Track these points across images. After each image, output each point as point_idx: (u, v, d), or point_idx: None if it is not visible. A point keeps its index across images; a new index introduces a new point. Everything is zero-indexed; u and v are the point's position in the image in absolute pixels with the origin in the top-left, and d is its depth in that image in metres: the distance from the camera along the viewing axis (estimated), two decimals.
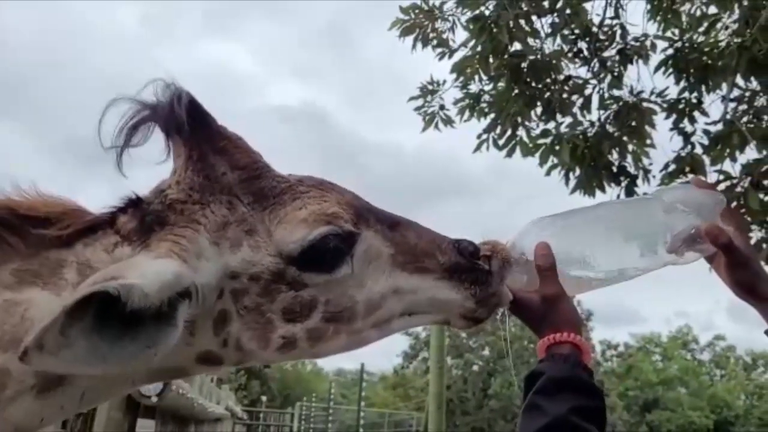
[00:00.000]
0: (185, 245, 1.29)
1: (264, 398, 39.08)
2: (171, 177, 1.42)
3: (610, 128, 7.24)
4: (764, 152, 6.42)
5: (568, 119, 7.29)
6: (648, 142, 7.12)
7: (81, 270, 1.28)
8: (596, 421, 1.41)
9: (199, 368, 1.44)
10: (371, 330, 1.49)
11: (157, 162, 1.44)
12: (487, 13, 6.83)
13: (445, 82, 7.74)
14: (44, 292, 1.24)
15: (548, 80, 7.24)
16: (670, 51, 7.15)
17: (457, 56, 7.37)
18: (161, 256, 1.25)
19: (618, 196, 6.94)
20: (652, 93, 7.20)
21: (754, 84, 6.83)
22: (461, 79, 7.43)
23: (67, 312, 1.03)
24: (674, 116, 7.07)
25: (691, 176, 6.59)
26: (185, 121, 1.39)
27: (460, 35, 7.46)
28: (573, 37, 7.38)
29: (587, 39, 7.36)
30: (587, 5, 7.23)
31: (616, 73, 7.32)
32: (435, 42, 7.48)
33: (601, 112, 7.33)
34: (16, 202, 1.33)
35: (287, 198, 1.43)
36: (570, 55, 7.42)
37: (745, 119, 6.83)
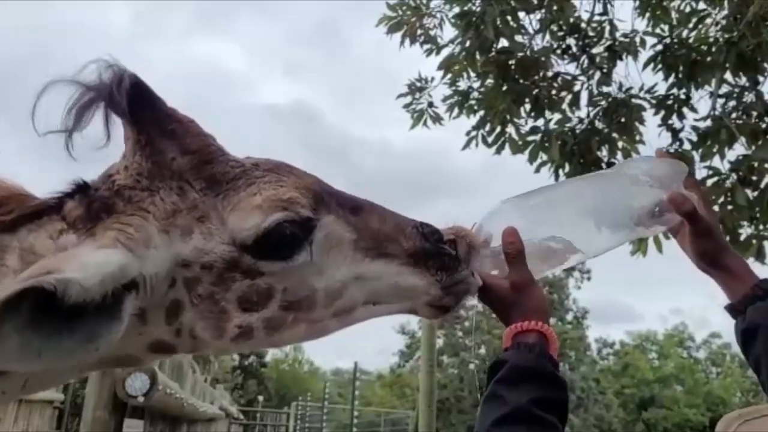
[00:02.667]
0: (132, 234, 1.24)
1: (260, 398, 39.11)
2: (120, 162, 1.36)
3: (599, 125, 7.22)
4: (752, 148, 6.41)
5: (557, 116, 7.28)
6: (637, 138, 7.10)
7: (24, 256, 1.23)
8: (558, 413, 1.37)
9: (151, 356, 1.39)
10: (332, 319, 1.44)
11: (98, 147, 1.36)
12: (474, 9, 6.80)
13: (433, 79, 7.73)
14: None
15: (537, 77, 7.21)
16: (659, 47, 7.13)
17: (445, 53, 7.35)
18: (106, 245, 1.20)
19: None
20: (641, 89, 7.18)
21: (743, 80, 6.81)
22: (449, 76, 7.40)
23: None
24: (663, 112, 7.04)
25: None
26: (126, 104, 1.32)
27: (448, 32, 7.45)
28: (561, 33, 7.36)
29: (576, 35, 7.35)
30: (575, 1, 7.22)
31: (605, 70, 7.29)
32: (422, 39, 7.45)
33: (590, 108, 7.30)
34: None
35: (241, 184, 1.37)
36: (558, 51, 7.39)
37: (733, 115, 6.81)
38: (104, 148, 1.36)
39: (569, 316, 44.90)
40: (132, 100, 1.33)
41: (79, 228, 1.27)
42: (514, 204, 1.69)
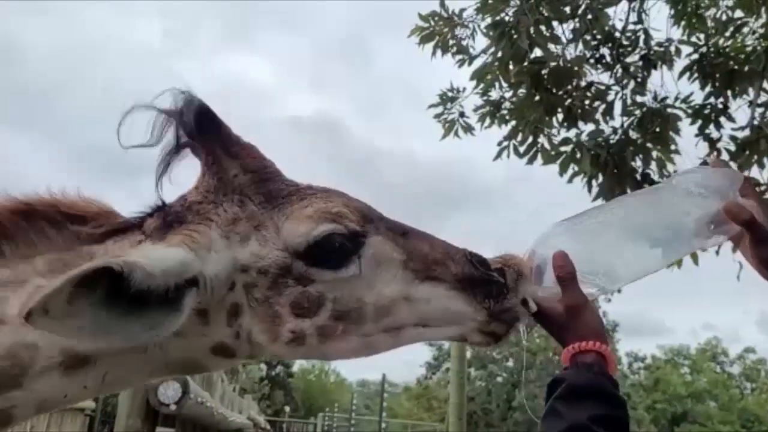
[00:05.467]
0: (196, 238, 1.39)
1: (287, 408, 39.12)
2: (192, 188, 1.53)
3: (633, 135, 7.11)
4: None
5: (590, 126, 7.18)
6: (672, 148, 6.96)
7: None
8: (617, 430, 1.37)
9: (214, 361, 1.49)
10: (382, 335, 1.50)
11: (175, 156, 1.55)
12: (507, 19, 6.76)
13: (464, 89, 7.69)
14: None
15: (569, 87, 7.14)
16: (695, 56, 7.02)
17: (477, 63, 7.31)
18: (171, 245, 1.35)
19: None
20: (676, 99, 7.08)
21: None
22: (481, 86, 7.36)
23: (73, 282, 1.10)
24: (699, 122, 6.92)
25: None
26: (194, 128, 1.50)
27: (480, 42, 7.41)
28: (595, 42, 7.28)
29: (609, 44, 7.26)
30: (609, 10, 7.12)
31: (639, 79, 7.20)
32: (455, 49, 7.43)
33: (624, 118, 7.20)
34: (59, 200, 1.45)
35: (295, 198, 1.50)
36: (592, 61, 7.31)
37: None
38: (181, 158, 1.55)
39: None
40: (201, 124, 1.51)
41: (153, 237, 1.44)
42: (567, 227, 1.68)
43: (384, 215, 1.59)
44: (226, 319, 1.43)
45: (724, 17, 7.20)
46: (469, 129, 7.71)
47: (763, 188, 6.17)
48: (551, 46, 6.93)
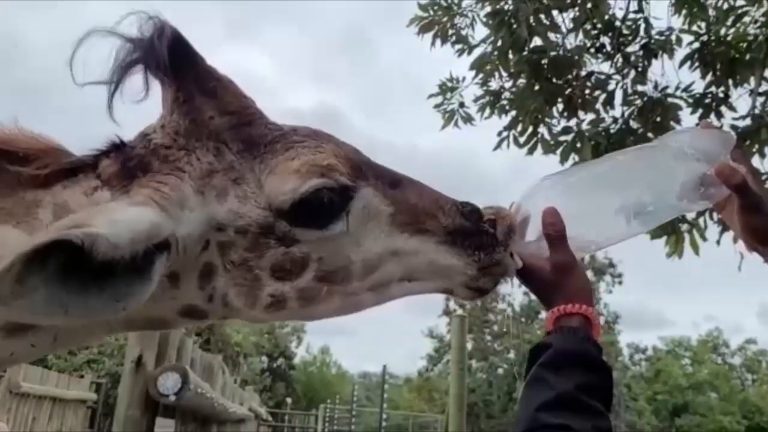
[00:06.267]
0: (167, 193, 1.22)
1: (289, 400, 39.23)
2: (157, 121, 1.33)
3: (634, 124, 7.08)
4: None
5: (591, 116, 7.15)
6: None
7: (57, 212, 1.22)
8: (603, 398, 1.33)
9: (182, 321, 1.37)
10: (367, 293, 1.40)
11: (137, 101, 1.34)
12: (506, 8, 6.72)
13: (464, 79, 7.67)
14: (16, 231, 1.19)
15: (570, 76, 7.11)
16: (696, 45, 6.97)
17: (477, 53, 7.28)
18: (138, 203, 1.18)
19: None
20: (677, 88, 7.03)
21: None
22: (481, 76, 7.33)
23: (25, 259, 0.96)
24: (700, 111, 6.88)
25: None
26: (166, 58, 1.29)
27: (480, 32, 7.38)
28: (595, 31, 7.24)
29: (610, 34, 7.22)
30: None
31: (640, 68, 7.15)
32: (454, 39, 7.40)
33: (625, 108, 7.17)
34: None
35: (279, 147, 1.33)
36: (592, 50, 7.28)
37: None
38: (142, 102, 1.34)
39: (600, 321, 44.30)
40: (172, 55, 1.29)
41: (113, 185, 1.25)
42: (554, 181, 1.62)
43: (372, 161, 1.47)
44: (198, 281, 1.29)
45: (725, 6, 7.14)
46: (468, 119, 7.68)
47: (763, 178, 6.13)
48: (551, 35, 6.90)
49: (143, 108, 1.36)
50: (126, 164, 1.27)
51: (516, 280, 1.57)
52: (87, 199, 1.24)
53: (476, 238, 1.46)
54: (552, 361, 1.36)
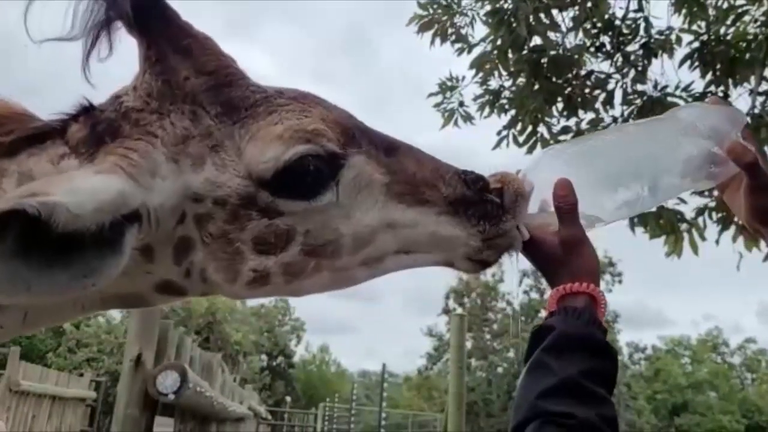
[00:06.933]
0: (136, 160, 1.13)
1: (288, 399, 39.22)
2: (130, 83, 1.23)
3: None
4: None
5: (590, 115, 7.15)
6: None
7: (22, 180, 1.14)
8: (607, 384, 1.28)
9: (160, 298, 1.30)
10: (359, 268, 1.32)
11: (100, 60, 1.23)
12: (506, 7, 6.72)
13: (464, 78, 7.65)
14: None
15: (569, 75, 7.11)
16: (696, 44, 6.96)
17: (476, 51, 7.27)
18: (104, 171, 1.10)
19: None
20: (677, 87, 7.02)
21: None
22: (480, 75, 7.32)
23: None
24: None
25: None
26: (132, 11, 1.18)
27: (479, 30, 7.37)
28: (595, 31, 7.23)
29: (610, 33, 7.21)
30: None
31: (639, 68, 7.15)
32: (453, 37, 7.39)
33: (625, 107, 7.17)
34: None
35: (262, 111, 1.22)
36: (592, 49, 7.27)
37: None
38: (106, 62, 1.24)
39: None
40: (139, 8, 1.19)
41: (81, 152, 1.17)
42: (559, 152, 1.57)
43: (366, 126, 1.36)
44: (174, 255, 1.20)
45: (725, 5, 7.13)
46: (468, 118, 7.67)
47: None
48: (551, 35, 6.90)
49: (126, 67, 1.26)
50: (95, 129, 1.18)
51: (520, 255, 1.47)
52: (53, 168, 1.16)
53: (480, 207, 1.37)
54: (555, 345, 1.29)
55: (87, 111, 1.22)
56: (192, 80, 1.21)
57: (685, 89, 6.99)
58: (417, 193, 1.33)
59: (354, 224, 1.27)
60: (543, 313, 1.52)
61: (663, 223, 6.76)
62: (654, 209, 6.64)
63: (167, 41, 1.21)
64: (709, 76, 6.90)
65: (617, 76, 7.25)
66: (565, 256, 1.41)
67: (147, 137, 1.17)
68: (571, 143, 1.56)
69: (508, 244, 1.42)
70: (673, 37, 7.14)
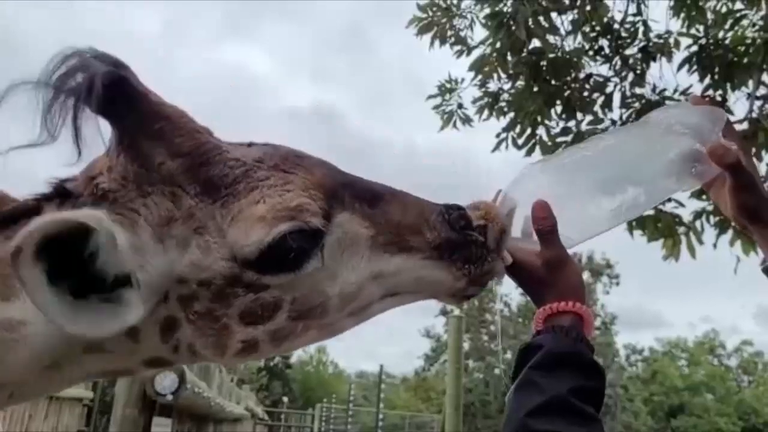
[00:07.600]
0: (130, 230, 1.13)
1: (285, 399, 39.19)
2: (102, 160, 1.20)
3: None
4: None
5: (589, 118, 7.16)
6: None
7: None
8: (595, 402, 1.28)
9: (147, 370, 1.30)
10: (346, 319, 1.32)
11: (69, 165, 1.19)
12: (505, 9, 6.73)
13: (463, 80, 7.66)
14: None
15: (568, 78, 7.09)
16: (695, 48, 6.97)
17: (476, 54, 7.27)
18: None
19: None
20: (675, 91, 7.01)
21: None
22: (480, 77, 7.33)
23: (39, 236, 0.94)
24: None
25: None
26: (101, 102, 1.14)
27: (479, 33, 7.37)
28: (594, 34, 7.23)
29: (608, 36, 7.21)
30: (608, 2, 7.09)
31: (638, 71, 7.15)
32: (452, 40, 7.40)
33: (623, 110, 7.16)
34: None
35: (242, 188, 1.19)
36: (591, 52, 7.27)
37: None
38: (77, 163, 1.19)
39: (597, 322, 44.38)
40: (107, 98, 1.15)
41: None
42: (541, 168, 1.56)
43: (348, 176, 1.35)
44: (161, 334, 1.19)
45: (723, 9, 7.15)
46: (467, 120, 7.67)
47: (763, 179, 6.14)
48: (550, 38, 6.89)
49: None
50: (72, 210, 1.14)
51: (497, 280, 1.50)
52: None
53: (465, 250, 1.38)
54: (543, 363, 1.30)
55: (60, 194, 1.19)
56: (167, 164, 1.18)
57: (683, 93, 6.99)
58: (402, 242, 1.33)
59: (340, 284, 1.27)
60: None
61: (661, 227, 6.78)
62: (652, 212, 6.67)
63: (139, 127, 1.18)
64: (707, 80, 6.90)
65: (616, 79, 7.24)
66: (549, 276, 1.44)
67: (130, 213, 1.14)
68: (555, 157, 1.57)
69: (492, 278, 1.44)
70: (671, 40, 7.15)
